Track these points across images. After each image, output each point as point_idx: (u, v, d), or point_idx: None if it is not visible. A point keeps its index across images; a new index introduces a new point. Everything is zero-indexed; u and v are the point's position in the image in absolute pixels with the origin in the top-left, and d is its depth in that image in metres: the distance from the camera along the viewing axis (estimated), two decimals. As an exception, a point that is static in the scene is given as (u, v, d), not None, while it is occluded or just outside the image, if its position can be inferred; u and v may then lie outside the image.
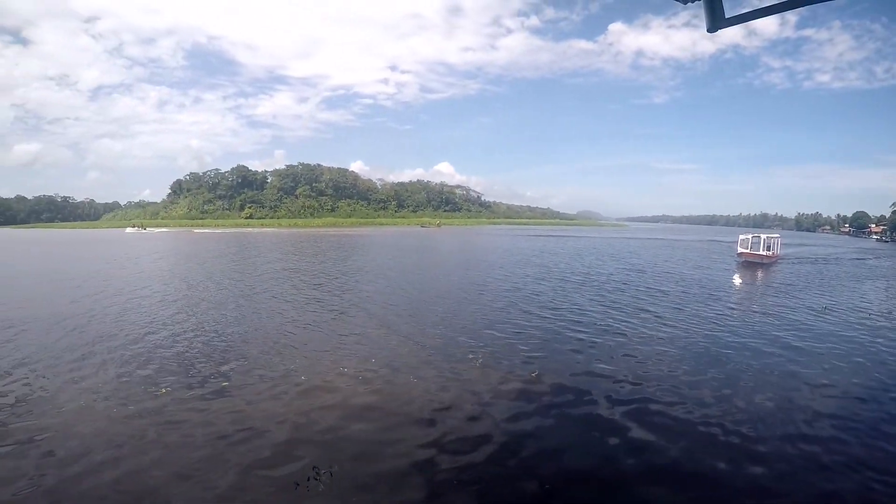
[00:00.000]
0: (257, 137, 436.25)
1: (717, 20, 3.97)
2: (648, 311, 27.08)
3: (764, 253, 58.87)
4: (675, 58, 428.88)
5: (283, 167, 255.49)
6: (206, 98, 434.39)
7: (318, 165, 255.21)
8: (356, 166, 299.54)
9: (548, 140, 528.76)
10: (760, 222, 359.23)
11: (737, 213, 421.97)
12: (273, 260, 58.97)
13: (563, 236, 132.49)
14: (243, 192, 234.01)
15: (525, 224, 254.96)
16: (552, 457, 11.18)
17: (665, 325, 23.81)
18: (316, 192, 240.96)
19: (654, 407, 13.81)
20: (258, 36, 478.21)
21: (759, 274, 48.52)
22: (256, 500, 9.63)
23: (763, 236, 60.80)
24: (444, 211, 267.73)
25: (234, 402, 14.08)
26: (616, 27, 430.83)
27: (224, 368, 16.97)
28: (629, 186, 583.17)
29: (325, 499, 9.60)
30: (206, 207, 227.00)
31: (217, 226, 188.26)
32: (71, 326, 23.12)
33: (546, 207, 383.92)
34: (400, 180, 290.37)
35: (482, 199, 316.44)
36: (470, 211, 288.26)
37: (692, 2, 4.07)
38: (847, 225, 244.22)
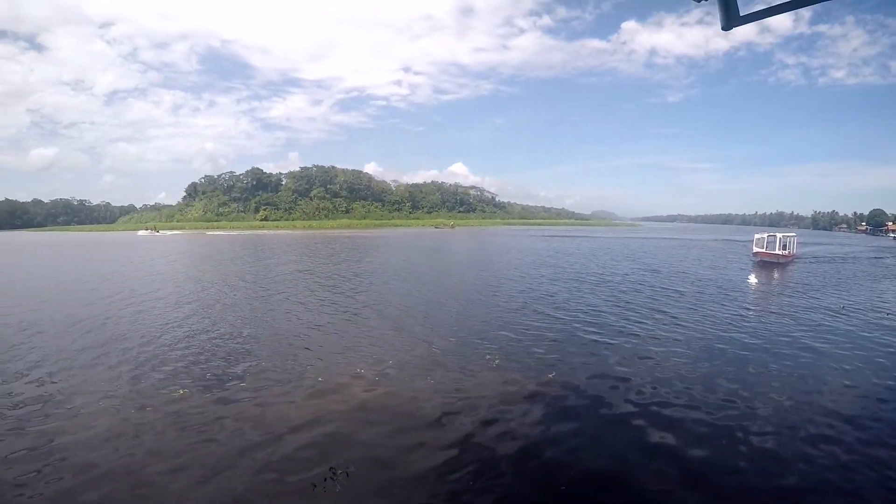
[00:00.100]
0: (271, 140, 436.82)
1: (731, 18, 3.89)
2: (664, 311, 26.89)
3: (780, 252, 58.02)
4: (688, 56, 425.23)
5: (298, 169, 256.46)
6: (220, 101, 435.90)
7: (333, 167, 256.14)
8: (370, 168, 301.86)
9: (562, 140, 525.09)
10: (776, 221, 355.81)
11: (752, 212, 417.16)
12: (287, 262, 59.31)
13: (578, 236, 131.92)
14: (258, 195, 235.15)
15: (540, 225, 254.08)
16: (569, 460, 11.09)
17: (681, 326, 23.62)
18: (330, 193, 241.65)
19: (672, 410, 13.69)
20: (271, 39, 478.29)
21: (776, 273, 48.00)
22: (274, 500, 9.67)
23: (779, 235, 60.01)
24: (459, 212, 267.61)
25: (251, 404, 14.18)
26: (629, 26, 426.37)
27: (240, 370, 17.10)
28: (644, 186, 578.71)
29: (341, 500, 9.62)
30: (221, 210, 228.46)
31: (232, 228, 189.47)
32: (86, 328, 23.41)
33: (561, 208, 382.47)
34: (414, 181, 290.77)
35: (496, 199, 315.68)
36: (484, 212, 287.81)
37: (706, 0, 4.02)
38: (864, 223, 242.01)
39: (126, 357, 18.69)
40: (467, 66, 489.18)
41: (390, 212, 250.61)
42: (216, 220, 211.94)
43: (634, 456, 11.22)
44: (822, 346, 20.50)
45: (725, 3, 3.89)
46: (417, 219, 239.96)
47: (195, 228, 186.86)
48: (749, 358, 18.58)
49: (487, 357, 18.54)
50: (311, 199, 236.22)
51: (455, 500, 9.72)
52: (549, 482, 10.24)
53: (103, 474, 10.39)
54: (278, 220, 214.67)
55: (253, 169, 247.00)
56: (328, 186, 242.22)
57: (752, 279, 43.02)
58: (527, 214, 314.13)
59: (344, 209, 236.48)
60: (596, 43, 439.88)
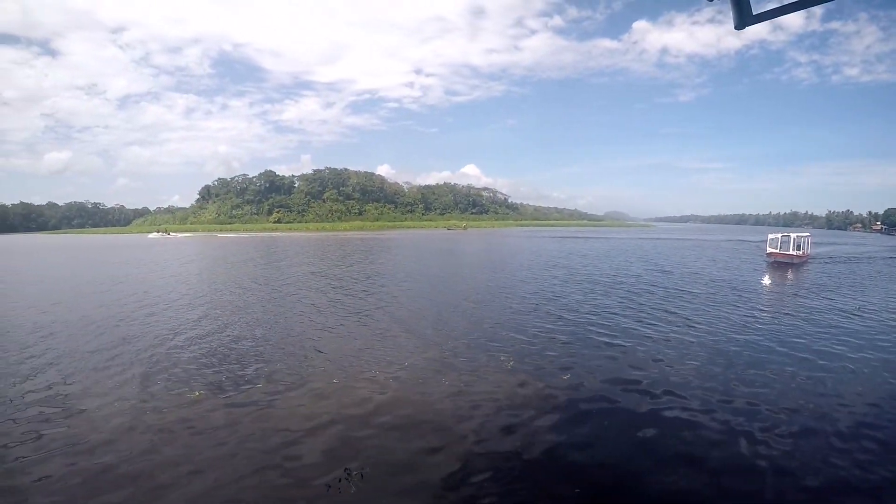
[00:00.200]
0: (284, 143, 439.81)
1: (744, 17, 3.91)
2: (677, 313, 26.69)
3: (794, 253, 57.26)
4: (700, 55, 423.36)
5: (311, 172, 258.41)
6: (232, 105, 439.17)
7: (345, 170, 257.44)
8: (383, 170, 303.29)
9: (574, 141, 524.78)
10: (790, 221, 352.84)
11: (766, 212, 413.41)
12: (299, 264, 59.65)
13: (591, 237, 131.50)
14: (271, 197, 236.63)
15: (552, 226, 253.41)
16: (584, 466, 11.04)
17: (694, 328, 23.40)
18: (343, 196, 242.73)
19: (688, 414, 13.55)
20: (283, 42, 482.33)
21: (790, 274, 47.47)
22: (288, 500, 9.76)
23: (793, 235, 59.18)
24: (472, 213, 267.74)
25: (265, 406, 14.24)
26: (640, 25, 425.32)
27: (254, 372, 17.17)
28: (657, 186, 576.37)
29: (355, 500, 9.66)
30: (234, 212, 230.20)
31: (245, 230, 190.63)
32: (100, 330, 23.70)
33: (573, 209, 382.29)
34: (427, 183, 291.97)
35: (509, 200, 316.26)
36: (497, 213, 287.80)
37: None
38: (879, 222, 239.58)
39: (139, 358, 18.88)
40: (479, 67, 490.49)
41: (403, 213, 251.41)
42: (229, 223, 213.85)
43: (651, 460, 11.14)
44: (839, 348, 20.21)
45: (738, 3, 3.92)
46: (430, 220, 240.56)
47: (208, 231, 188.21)
48: (764, 360, 18.36)
49: (502, 358, 18.50)
50: (323, 202, 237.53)
51: (470, 502, 9.73)
52: (565, 487, 10.18)
53: (120, 476, 10.48)
54: (291, 223, 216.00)
55: (266, 171, 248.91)
56: (341, 189, 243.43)
57: (766, 280, 42.75)
58: (539, 216, 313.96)
59: (357, 211, 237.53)
60: (607, 43, 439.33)
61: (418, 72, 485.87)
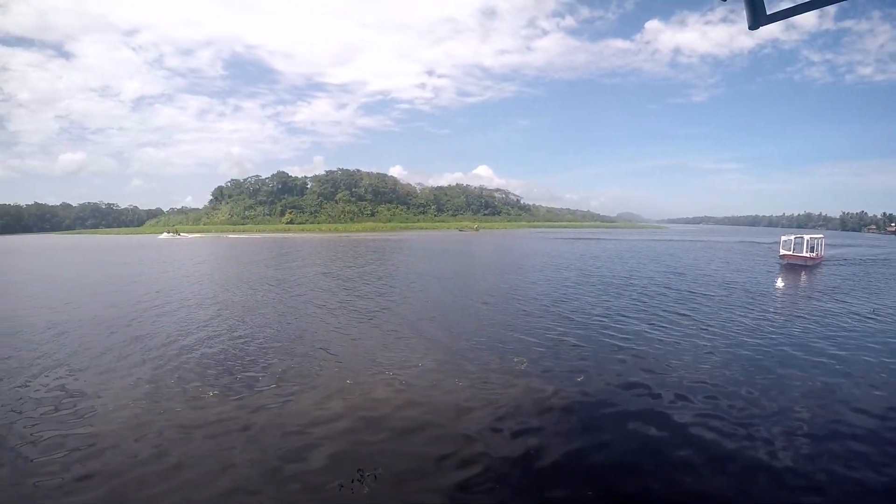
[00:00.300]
0: (297, 144, 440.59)
1: (758, 17, 3.87)
2: (691, 316, 26.49)
3: (807, 255, 56.54)
4: (713, 54, 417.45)
5: (323, 173, 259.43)
6: (245, 106, 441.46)
7: (358, 171, 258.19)
8: (395, 171, 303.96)
9: (586, 141, 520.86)
10: (804, 222, 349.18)
11: (780, 214, 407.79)
12: (310, 264, 59.97)
13: (603, 239, 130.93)
14: (284, 198, 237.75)
15: (565, 227, 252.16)
16: (599, 470, 10.97)
17: (708, 331, 23.18)
18: (355, 197, 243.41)
19: (702, 421, 13.34)
20: (295, 44, 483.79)
21: (803, 277, 46.98)
22: (301, 499, 9.84)
23: (806, 237, 58.54)
24: (484, 214, 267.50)
25: (279, 406, 14.31)
26: (652, 25, 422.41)
27: (267, 373, 17.26)
28: (670, 187, 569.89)
29: (369, 500, 9.71)
30: (247, 213, 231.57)
31: (258, 231, 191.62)
32: (112, 329, 23.92)
33: (586, 210, 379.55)
34: (439, 184, 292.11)
35: (521, 202, 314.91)
36: (509, 214, 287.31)
37: None
38: (894, 224, 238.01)
39: (152, 357, 19.04)
40: (491, 68, 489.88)
41: (415, 215, 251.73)
42: (242, 224, 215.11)
43: (666, 465, 11.06)
44: (854, 351, 19.96)
45: (752, 3, 3.89)
46: (442, 221, 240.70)
47: (221, 231, 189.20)
48: (778, 365, 18.14)
49: (515, 360, 18.48)
50: (336, 203, 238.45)
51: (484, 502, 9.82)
52: (581, 493, 10.10)
53: (135, 477, 10.54)
54: (304, 224, 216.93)
55: (279, 173, 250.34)
56: (353, 190, 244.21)
57: (780, 283, 42.53)
58: (552, 217, 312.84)
59: (369, 212, 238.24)
60: (619, 43, 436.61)
61: (430, 73, 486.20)
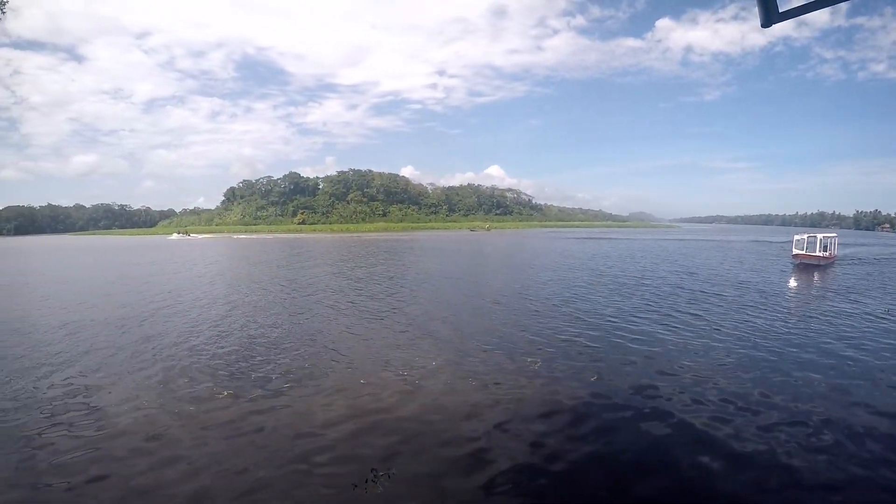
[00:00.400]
0: (308, 144, 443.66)
1: (770, 15, 3.72)
2: (703, 317, 26.27)
3: (820, 254, 55.86)
4: (724, 52, 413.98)
5: (335, 173, 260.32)
6: (256, 107, 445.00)
7: (369, 171, 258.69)
8: (407, 171, 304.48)
9: (598, 141, 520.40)
10: (817, 221, 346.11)
11: (793, 213, 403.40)
12: (320, 264, 60.20)
13: (615, 238, 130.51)
14: (295, 199, 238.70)
15: (577, 227, 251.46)
16: (615, 473, 10.92)
17: (721, 333, 22.97)
18: (367, 197, 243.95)
19: (716, 426, 13.18)
20: (306, 45, 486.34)
21: (816, 276, 46.48)
22: (315, 499, 9.86)
23: (819, 236, 57.72)
24: (496, 214, 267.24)
25: (292, 406, 14.37)
26: (663, 23, 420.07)
27: (280, 373, 17.31)
28: (682, 187, 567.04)
29: (383, 499, 9.72)
30: (259, 213, 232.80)
31: (269, 231, 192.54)
32: (124, 329, 24.18)
33: (598, 209, 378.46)
34: (450, 184, 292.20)
35: (533, 201, 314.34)
36: (521, 214, 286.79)
37: None
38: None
39: (164, 356, 19.16)
40: (501, 67, 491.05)
41: (427, 215, 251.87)
42: (254, 224, 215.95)
43: (685, 471, 10.96)
44: (868, 353, 19.69)
45: (765, 0, 3.74)
46: (454, 221, 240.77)
47: (233, 232, 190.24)
48: (793, 367, 17.91)
49: (528, 360, 18.44)
50: (348, 203, 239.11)
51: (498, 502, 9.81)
52: (598, 498, 10.10)
53: (153, 478, 10.57)
54: (316, 224, 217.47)
55: (290, 173, 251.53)
56: (365, 190, 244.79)
57: (793, 282, 42.24)
58: (564, 217, 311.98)
59: (381, 212, 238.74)
60: (630, 42, 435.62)
61: (441, 73, 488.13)
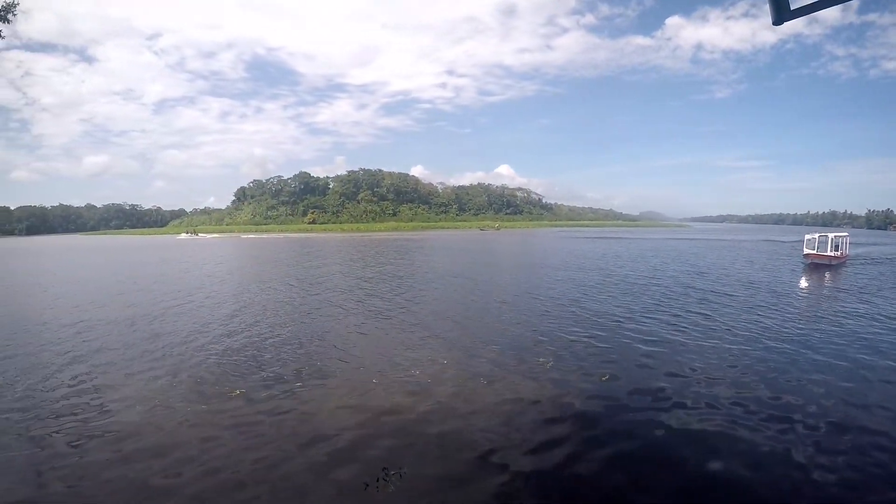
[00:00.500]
0: (318, 144, 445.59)
1: (782, 12, 3.67)
2: (714, 318, 26.05)
3: (831, 253, 55.17)
4: (735, 50, 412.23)
5: (345, 173, 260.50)
6: (267, 107, 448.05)
7: (379, 171, 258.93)
8: (417, 171, 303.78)
9: (608, 140, 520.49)
10: (829, 220, 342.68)
11: (804, 212, 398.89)
12: (330, 264, 60.24)
13: (625, 238, 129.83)
14: (306, 198, 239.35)
15: (587, 226, 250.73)
16: (628, 476, 10.83)
17: (732, 333, 22.79)
18: (377, 196, 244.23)
19: (729, 429, 13.04)
20: (316, 46, 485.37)
21: (827, 276, 46.02)
22: (327, 498, 9.89)
23: (830, 235, 56.92)
24: (506, 214, 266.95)
25: (302, 405, 14.44)
26: (673, 21, 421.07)
27: (290, 372, 17.37)
28: (692, 186, 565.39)
29: (395, 499, 9.72)
30: (269, 213, 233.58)
31: (280, 231, 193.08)
32: (135, 327, 24.41)
33: (608, 209, 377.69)
34: (460, 184, 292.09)
35: (543, 201, 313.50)
36: (531, 213, 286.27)
37: None
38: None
39: (175, 354, 19.27)
40: (511, 66, 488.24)
41: (437, 214, 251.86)
42: (264, 224, 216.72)
43: (699, 473, 10.88)
44: (881, 356, 19.47)
45: None
46: (464, 221, 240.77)
47: (243, 232, 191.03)
48: (806, 368, 17.79)
49: (539, 361, 18.38)
50: (358, 203, 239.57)
51: (509, 502, 9.77)
52: (600, 498, 10.05)
53: (165, 477, 10.63)
54: (326, 223, 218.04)
55: (301, 173, 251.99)
56: (375, 190, 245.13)
57: (804, 282, 41.94)
58: (574, 216, 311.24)
59: (391, 212, 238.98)
60: (640, 40, 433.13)
61: (451, 72, 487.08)
